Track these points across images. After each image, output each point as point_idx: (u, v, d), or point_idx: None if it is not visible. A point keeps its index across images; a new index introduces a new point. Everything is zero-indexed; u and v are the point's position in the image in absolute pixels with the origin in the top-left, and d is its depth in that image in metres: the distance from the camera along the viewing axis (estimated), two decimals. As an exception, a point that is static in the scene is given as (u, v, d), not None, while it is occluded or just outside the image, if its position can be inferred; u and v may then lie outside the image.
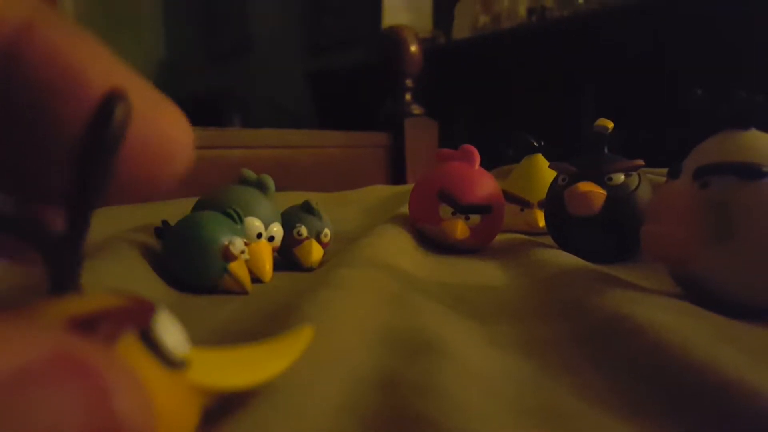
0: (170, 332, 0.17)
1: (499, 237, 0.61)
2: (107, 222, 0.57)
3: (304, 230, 0.51)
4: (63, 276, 0.17)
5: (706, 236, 0.34)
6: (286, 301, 0.37)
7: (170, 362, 0.17)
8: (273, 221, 0.49)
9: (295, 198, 0.61)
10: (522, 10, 1.89)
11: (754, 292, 0.34)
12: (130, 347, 0.16)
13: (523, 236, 0.64)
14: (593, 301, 0.34)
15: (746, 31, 1.27)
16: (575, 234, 0.53)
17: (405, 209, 0.66)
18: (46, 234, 0.16)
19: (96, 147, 0.17)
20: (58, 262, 0.17)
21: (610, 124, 0.53)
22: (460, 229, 0.55)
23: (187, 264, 0.43)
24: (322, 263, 0.52)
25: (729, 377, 0.23)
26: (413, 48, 1.30)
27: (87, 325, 0.15)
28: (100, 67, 0.17)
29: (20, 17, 0.16)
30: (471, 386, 0.25)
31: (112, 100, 0.17)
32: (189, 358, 0.18)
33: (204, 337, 0.20)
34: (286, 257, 0.52)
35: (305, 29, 2.73)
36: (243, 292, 0.43)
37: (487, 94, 1.80)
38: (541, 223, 0.64)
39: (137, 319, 0.16)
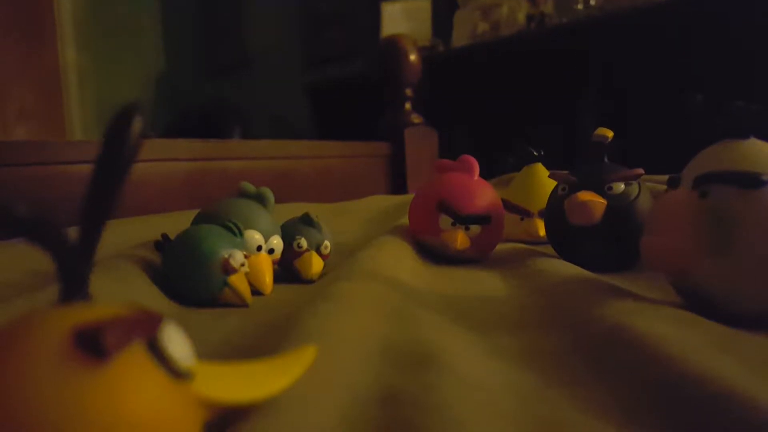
0: (177, 344, 0.18)
1: (500, 247, 0.61)
2: (107, 235, 0.57)
3: (304, 242, 0.51)
4: (73, 284, 0.17)
5: (705, 246, 0.34)
6: (287, 314, 0.37)
7: (175, 372, 0.17)
8: (273, 234, 0.49)
9: (296, 209, 0.61)
10: (521, 18, 1.89)
11: (754, 301, 0.34)
12: (136, 356, 0.16)
13: (523, 246, 0.64)
14: (594, 312, 0.34)
15: (748, 37, 1.28)
16: (576, 243, 0.53)
17: (405, 220, 0.65)
18: (60, 241, 0.17)
19: (111, 160, 0.17)
20: (70, 270, 0.17)
21: (610, 133, 0.53)
22: (460, 239, 0.55)
23: (187, 277, 0.43)
24: (322, 275, 0.52)
25: (728, 388, 0.23)
26: (413, 57, 1.30)
27: (93, 333, 0.15)
28: None
29: None
30: (472, 400, 0.24)
31: (127, 113, 0.17)
32: (194, 370, 0.18)
33: (205, 351, 0.20)
34: (287, 269, 0.52)
35: (304, 41, 2.73)
36: (243, 305, 0.43)
37: (486, 102, 1.80)
38: (542, 232, 0.64)
39: (145, 329, 0.16)
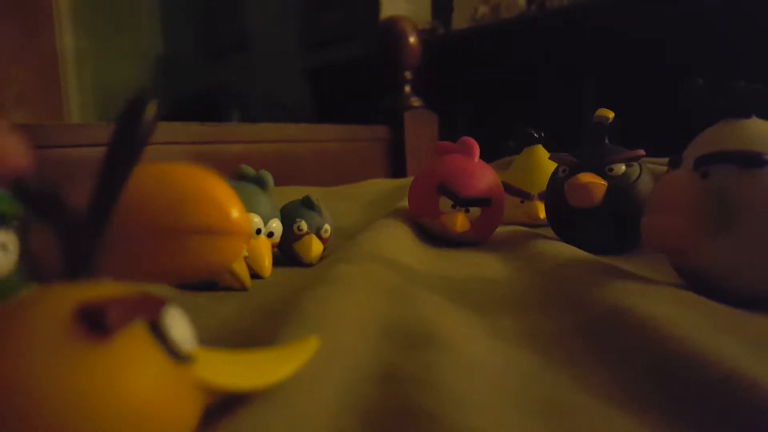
0: (179, 327, 0.18)
1: (500, 229, 0.61)
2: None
3: (304, 225, 0.51)
4: (78, 261, 0.17)
5: (706, 226, 0.34)
6: (286, 297, 0.37)
7: (177, 355, 0.17)
8: (272, 217, 0.49)
9: (295, 193, 0.61)
10: (521, 0, 1.87)
11: (755, 281, 0.34)
12: (138, 336, 0.16)
13: (523, 228, 0.64)
14: (595, 294, 0.34)
15: (747, 23, 1.26)
16: (576, 225, 0.52)
17: (405, 203, 0.65)
18: (65, 216, 0.17)
19: (126, 142, 0.17)
20: (74, 247, 0.17)
21: (611, 114, 0.53)
22: (460, 222, 0.55)
23: (186, 261, 0.42)
24: (321, 259, 0.52)
25: (730, 369, 0.22)
26: (412, 39, 1.29)
27: (95, 312, 0.15)
28: None
29: None
30: (472, 379, 0.24)
31: (141, 98, 0.17)
32: (195, 354, 0.18)
33: (204, 334, 0.20)
34: (286, 253, 0.52)
35: (303, 24, 2.71)
36: (242, 288, 0.43)
37: (486, 85, 1.79)
38: (542, 215, 0.64)
39: (148, 310, 0.16)
